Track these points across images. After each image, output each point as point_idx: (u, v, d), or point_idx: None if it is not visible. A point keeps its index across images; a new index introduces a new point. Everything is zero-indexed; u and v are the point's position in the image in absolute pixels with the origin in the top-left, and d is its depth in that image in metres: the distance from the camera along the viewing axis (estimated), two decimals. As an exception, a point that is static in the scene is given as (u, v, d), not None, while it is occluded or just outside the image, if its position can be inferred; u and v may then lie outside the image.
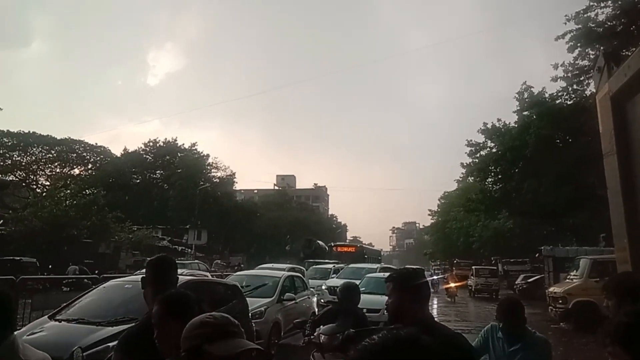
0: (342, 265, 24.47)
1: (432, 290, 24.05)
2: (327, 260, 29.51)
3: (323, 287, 18.31)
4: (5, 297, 2.15)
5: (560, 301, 15.77)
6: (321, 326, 4.94)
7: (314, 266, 26.56)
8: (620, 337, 1.69)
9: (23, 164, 49.08)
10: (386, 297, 9.54)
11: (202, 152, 62.39)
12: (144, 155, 60.02)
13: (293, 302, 11.11)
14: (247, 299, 9.44)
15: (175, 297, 2.28)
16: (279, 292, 10.79)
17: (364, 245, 47.81)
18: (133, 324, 5.01)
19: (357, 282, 14.42)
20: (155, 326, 2.13)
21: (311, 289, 14.16)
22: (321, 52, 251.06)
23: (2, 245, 26.61)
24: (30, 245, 27.23)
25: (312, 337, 5.01)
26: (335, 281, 18.22)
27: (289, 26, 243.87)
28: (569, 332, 14.57)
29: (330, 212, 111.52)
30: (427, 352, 0.90)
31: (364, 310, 11.73)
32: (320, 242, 39.13)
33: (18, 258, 22.45)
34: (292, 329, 10.70)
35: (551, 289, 17.53)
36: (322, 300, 16.62)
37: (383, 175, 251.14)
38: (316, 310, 12.76)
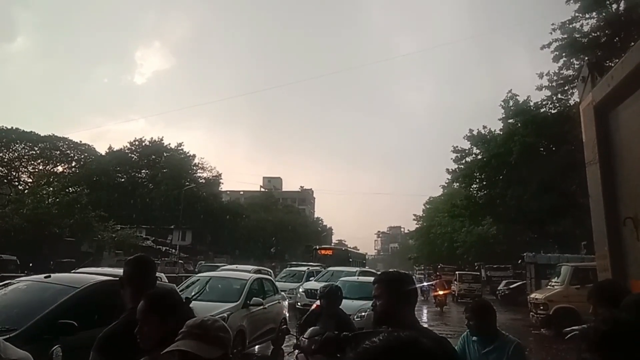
0: (318, 267, 24.09)
1: (421, 297, 23.97)
2: (302, 263, 29.71)
3: (300, 290, 18.04)
4: None
5: (542, 307, 15.97)
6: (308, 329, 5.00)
7: (287, 268, 26.04)
8: (597, 344, 1.72)
9: (5, 160, 48.30)
10: (360, 303, 9.66)
11: (188, 152, 62.15)
12: (129, 155, 59.46)
13: (261, 307, 10.08)
14: (208, 303, 9.03)
15: (160, 295, 2.33)
16: (245, 296, 9.82)
17: (348, 249, 47.79)
18: (9, 335, 4.40)
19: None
20: (138, 321, 2.18)
21: (282, 293, 13.09)
22: (309, 55, 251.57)
23: (-18, 242, 26.16)
24: (10, 242, 26.79)
25: (299, 340, 5.05)
26: (314, 284, 17.84)
27: (277, 28, 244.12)
28: (550, 338, 14.75)
29: (316, 215, 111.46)
30: (427, 354, 0.91)
31: None
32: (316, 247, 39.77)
33: (-2, 255, 22.06)
34: (259, 337, 10.12)
35: (533, 295, 17.74)
36: (298, 304, 16.36)
37: (369, 179, 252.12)
38: (287, 315, 12.18)
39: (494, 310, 3.69)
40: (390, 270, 2.85)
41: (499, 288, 30.60)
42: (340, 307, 5.36)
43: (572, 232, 25.55)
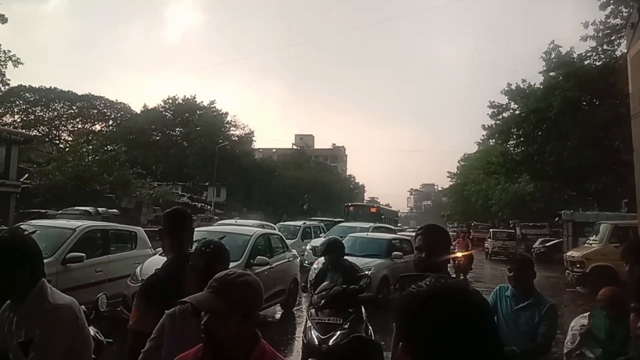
0: (315, 222, 22.58)
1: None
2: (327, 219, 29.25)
3: (307, 248, 17.14)
4: (34, 246, 2.26)
5: (578, 265, 15.76)
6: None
7: (280, 223, 23.61)
8: None
9: (45, 119, 49.85)
10: (365, 260, 9.71)
11: (220, 110, 62.30)
12: (163, 113, 60.12)
13: (267, 267, 9.06)
14: None
15: (208, 244, 2.57)
16: (248, 254, 8.83)
17: (381, 206, 47.51)
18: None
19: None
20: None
21: (294, 251, 11.80)
22: (341, 9, 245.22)
23: (28, 198, 27.36)
24: (54, 198, 27.92)
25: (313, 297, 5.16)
26: (322, 241, 17.04)
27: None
28: (585, 296, 14.58)
29: (348, 173, 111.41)
30: (475, 303, 0.89)
31: None
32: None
33: (43, 211, 23.02)
34: (266, 301, 9.08)
35: (569, 253, 17.48)
36: (305, 262, 15.17)
37: (402, 136, 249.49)
38: (299, 275, 11.04)
39: (533, 265, 3.69)
40: (432, 223, 2.87)
41: (534, 246, 30.28)
42: (345, 257, 5.39)
43: (614, 189, 24.76)
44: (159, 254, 8.50)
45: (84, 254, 7.94)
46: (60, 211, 22.71)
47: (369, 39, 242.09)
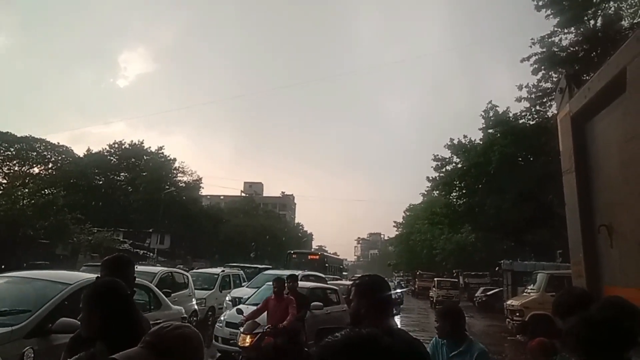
0: (236, 271, 19.86)
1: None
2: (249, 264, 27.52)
3: (227, 299, 14.94)
4: None
5: (518, 314, 16.21)
6: None
7: (194, 270, 20.45)
8: (583, 345, 1.77)
9: (-21, 160, 47.19)
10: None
11: (168, 156, 61.27)
12: (109, 157, 58.42)
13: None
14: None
15: (95, 285, 2.36)
16: (46, 313, 5.07)
17: (325, 254, 46.71)
18: None
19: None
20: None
21: (177, 308, 8.63)
22: (292, 63, 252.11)
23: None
24: (-17, 244, 26.17)
25: None
26: (245, 290, 15.00)
27: (261, 36, 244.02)
28: (525, 344, 14.96)
29: (296, 221, 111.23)
30: (387, 350, 0.92)
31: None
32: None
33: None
34: None
35: (509, 302, 17.99)
36: (223, 317, 12.62)
37: (350, 185, 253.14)
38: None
39: (460, 315, 3.76)
40: (364, 274, 2.83)
41: (476, 295, 30.97)
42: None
43: (549, 241, 25.98)
44: None
45: None
46: None
47: (318, 93, 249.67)
